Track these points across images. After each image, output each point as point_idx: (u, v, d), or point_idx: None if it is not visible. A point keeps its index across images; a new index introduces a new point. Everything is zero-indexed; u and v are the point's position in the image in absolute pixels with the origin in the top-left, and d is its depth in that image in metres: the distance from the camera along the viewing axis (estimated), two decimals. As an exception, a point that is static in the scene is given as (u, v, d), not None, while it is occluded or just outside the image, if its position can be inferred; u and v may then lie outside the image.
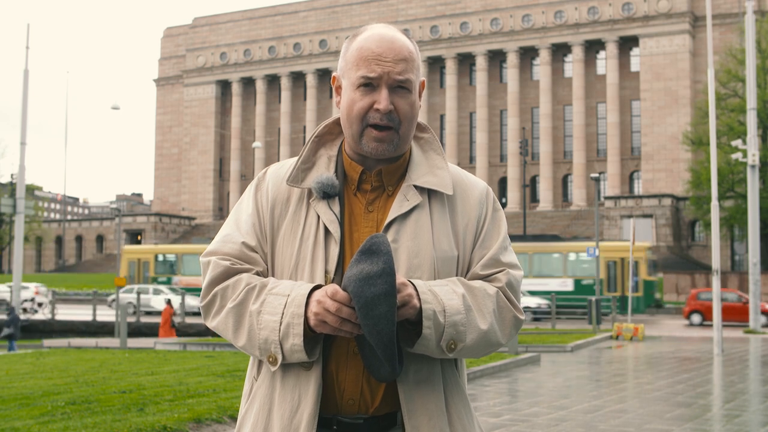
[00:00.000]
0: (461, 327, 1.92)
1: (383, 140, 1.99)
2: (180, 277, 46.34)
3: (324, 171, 2.06)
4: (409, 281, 1.91)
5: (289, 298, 1.91)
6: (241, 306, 1.96)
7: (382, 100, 1.98)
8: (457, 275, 2.05)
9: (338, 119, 2.13)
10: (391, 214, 2.00)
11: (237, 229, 2.07)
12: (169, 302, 27.89)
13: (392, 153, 2.02)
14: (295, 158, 2.11)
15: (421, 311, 1.88)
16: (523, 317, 2.06)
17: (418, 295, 1.89)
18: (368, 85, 1.99)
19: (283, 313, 1.90)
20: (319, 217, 2.02)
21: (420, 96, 2.08)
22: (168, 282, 45.93)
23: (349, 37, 2.09)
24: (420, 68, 2.07)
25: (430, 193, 2.06)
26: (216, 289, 2.00)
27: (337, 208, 2.02)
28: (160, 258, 48.10)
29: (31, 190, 78.36)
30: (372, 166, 2.06)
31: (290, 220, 2.05)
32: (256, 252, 2.05)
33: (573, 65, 78.49)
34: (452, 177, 2.10)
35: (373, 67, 1.98)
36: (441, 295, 1.91)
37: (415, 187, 2.05)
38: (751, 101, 27.50)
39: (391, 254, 1.83)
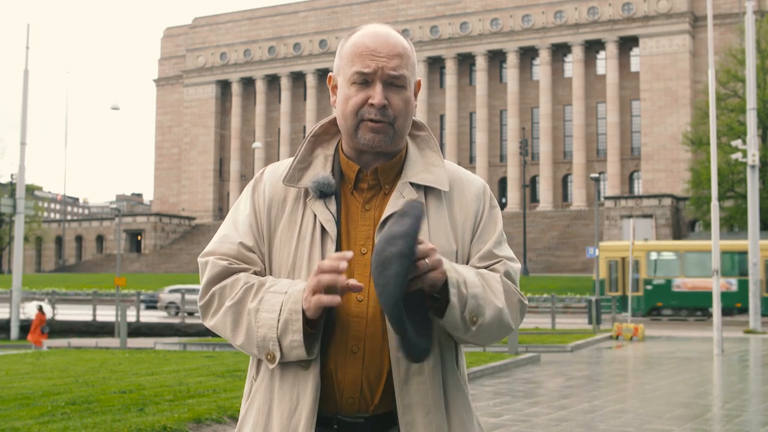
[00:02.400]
0: (481, 300, 1.94)
1: (379, 131, 1.99)
2: (683, 279, 36.53)
3: (320, 170, 2.06)
4: None
5: (286, 296, 1.91)
6: (239, 304, 1.96)
7: (376, 95, 1.98)
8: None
9: (334, 119, 2.13)
10: (387, 211, 2.00)
11: (235, 229, 2.07)
12: (40, 309, 28.63)
13: (388, 146, 2.02)
14: (292, 158, 2.11)
15: (446, 281, 1.88)
16: (527, 302, 2.08)
17: None
18: (363, 80, 1.99)
19: (281, 310, 1.90)
20: (315, 216, 2.02)
21: (416, 95, 2.08)
22: (668, 285, 36.68)
23: (344, 37, 2.10)
24: (415, 66, 2.08)
25: (426, 191, 2.06)
26: (214, 288, 2.00)
27: (333, 207, 2.02)
28: (654, 256, 37.84)
29: (31, 190, 78.37)
30: (368, 165, 2.06)
31: (287, 219, 2.05)
32: (254, 252, 2.05)
33: (573, 65, 78.52)
34: (449, 174, 2.10)
35: (367, 62, 1.98)
36: (459, 269, 1.94)
37: (412, 184, 2.05)
38: (751, 101, 27.49)
39: (421, 218, 1.82)
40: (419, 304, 1.88)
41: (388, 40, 2.01)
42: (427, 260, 1.83)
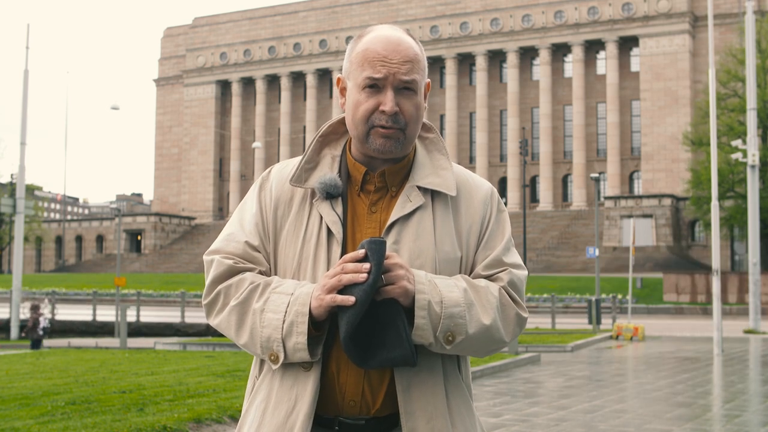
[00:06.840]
0: (459, 319, 1.91)
1: (390, 137, 1.98)
2: None
3: (327, 171, 2.05)
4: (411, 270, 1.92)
5: (292, 297, 1.91)
6: (244, 304, 1.96)
7: (388, 101, 1.97)
8: (460, 275, 2.04)
9: (343, 119, 2.12)
10: (394, 215, 2.00)
11: (240, 228, 2.07)
12: None
13: (398, 152, 2.01)
14: (299, 158, 2.10)
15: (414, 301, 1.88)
16: (526, 315, 2.04)
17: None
18: (374, 86, 1.98)
19: (286, 311, 1.90)
20: (321, 217, 2.01)
21: (425, 97, 2.07)
22: None
23: (354, 39, 2.08)
24: (426, 69, 2.07)
25: (433, 194, 2.05)
26: (219, 287, 2.00)
27: (340, 209, 2.01)
28: None
29: (31, 190, 78.25)
30: (376, 167, 2.05)
31: (293, 220, 2.04)
32: (259, 252, 2.05)
33: (573, 65, 78.52)
34: (456, 178, 2.09)
35: (378, 68, 1.97)
36: (441, 287, 1.91)
37: (419, 187, 2.04)
38: (751, 101, 27.49)
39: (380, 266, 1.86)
40: (394, 314, 1.88)
41: (400, 45, 2.00)
42: (383, 276, 1.86)
